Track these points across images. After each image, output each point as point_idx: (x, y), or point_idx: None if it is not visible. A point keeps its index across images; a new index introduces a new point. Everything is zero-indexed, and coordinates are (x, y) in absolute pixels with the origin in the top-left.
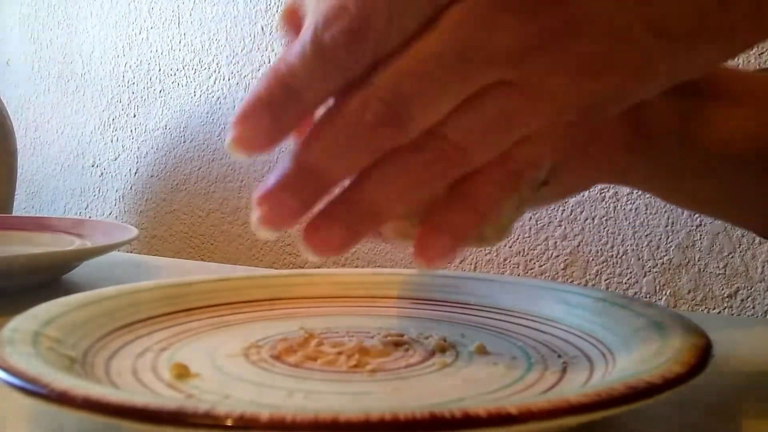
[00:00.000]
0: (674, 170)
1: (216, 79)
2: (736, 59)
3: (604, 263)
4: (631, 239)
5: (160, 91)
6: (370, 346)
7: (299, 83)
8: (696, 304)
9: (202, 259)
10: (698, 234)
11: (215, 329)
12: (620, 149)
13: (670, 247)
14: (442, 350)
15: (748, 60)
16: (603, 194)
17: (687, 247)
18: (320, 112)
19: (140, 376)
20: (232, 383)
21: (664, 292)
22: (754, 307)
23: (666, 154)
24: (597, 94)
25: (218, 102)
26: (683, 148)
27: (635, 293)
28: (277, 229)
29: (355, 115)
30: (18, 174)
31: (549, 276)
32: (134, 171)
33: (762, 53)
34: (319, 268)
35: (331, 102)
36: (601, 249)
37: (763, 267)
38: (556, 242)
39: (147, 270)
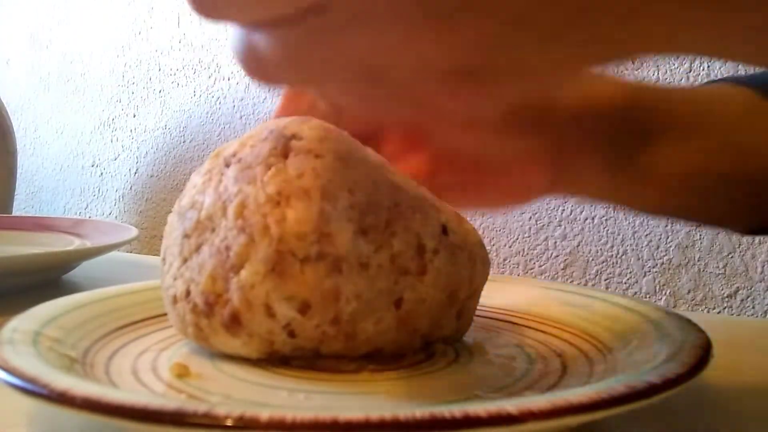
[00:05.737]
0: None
1: (216, 79)
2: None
3: (604, 263)
4: (630, 239)
5: (160, 91)
6: None
7: None
8: (696, 304)
9: None
10: (698, 234)
11: None
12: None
13: (670, 247)
14: (442, 350)
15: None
16: None
17: (687, 246)
18: None
19: (140, 376)
20: (232, 383)
21: (663, 292)
22: (753, 307)
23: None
24: None
25: (218, 102)
26: (632, 190)
27: (635, 293)
28: None
29: None
30: (18, 174)
31: (549, 276)
32: (134, 171)
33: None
34: None
35: None
36: (600, 249)
37: (763, 267)
38: (555, 242)
39: (147, 270)
